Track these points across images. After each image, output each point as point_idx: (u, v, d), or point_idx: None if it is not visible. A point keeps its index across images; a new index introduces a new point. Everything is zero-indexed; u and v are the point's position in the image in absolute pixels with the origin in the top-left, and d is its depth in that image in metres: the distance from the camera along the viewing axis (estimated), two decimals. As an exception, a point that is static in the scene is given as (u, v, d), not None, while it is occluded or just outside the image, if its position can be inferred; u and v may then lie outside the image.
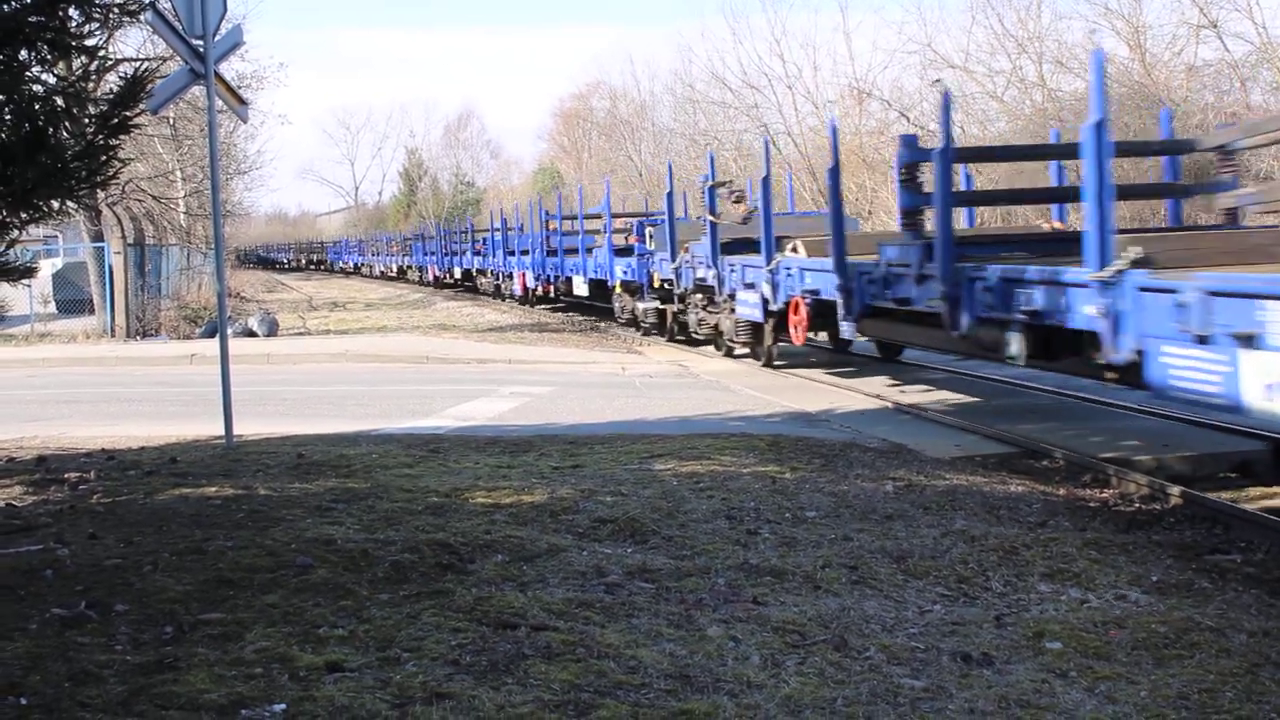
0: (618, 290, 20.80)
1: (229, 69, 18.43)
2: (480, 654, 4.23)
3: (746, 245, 14.50)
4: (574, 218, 24.93)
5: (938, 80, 23.35)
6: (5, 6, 5.44)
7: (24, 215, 5.82)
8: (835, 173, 11.32)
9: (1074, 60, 26.59)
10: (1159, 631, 4.57)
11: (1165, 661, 4.29)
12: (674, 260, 16.50)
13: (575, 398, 12.17)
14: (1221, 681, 4.07)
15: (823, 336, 14.70)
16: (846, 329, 10.87)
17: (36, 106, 5.51)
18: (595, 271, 22.27)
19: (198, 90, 9.94)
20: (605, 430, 9.61)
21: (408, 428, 10.08)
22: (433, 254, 41.78)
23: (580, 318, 25.31)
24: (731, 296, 14.38)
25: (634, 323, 20.27)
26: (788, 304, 12.58)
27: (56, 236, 31.53)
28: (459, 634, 4.43)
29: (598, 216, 23.60)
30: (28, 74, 5.65)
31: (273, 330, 21.96)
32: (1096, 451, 8.65)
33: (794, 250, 12.51)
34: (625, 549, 5.77)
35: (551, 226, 26.39)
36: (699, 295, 16.09)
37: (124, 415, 11.54)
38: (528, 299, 29.08)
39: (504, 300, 31.23)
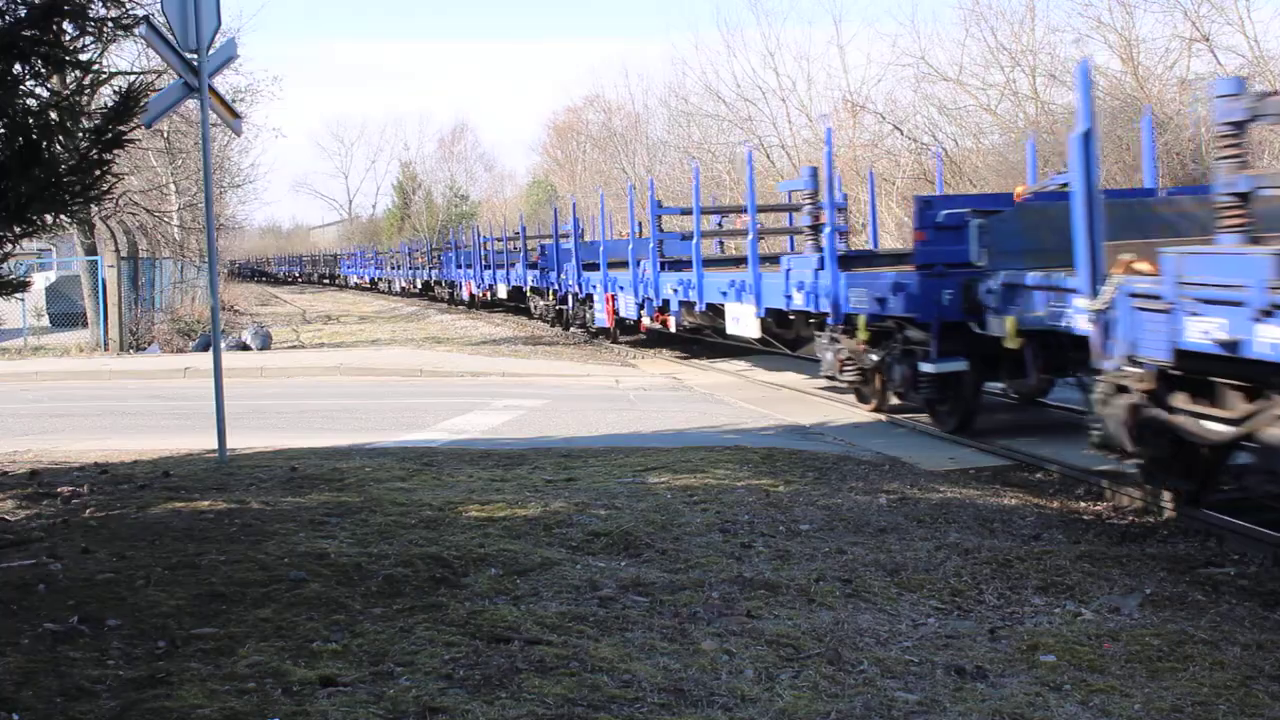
0: (859, 344, 10.98)
1: (223, 82, 18.35)
2: (474, 668, 4.22)
3: None
4: (736, 210, 17.21)
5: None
6: (-1, 21, 5.45)
7: (18, 229, 5.83)
8: None
9: (1067, 74, 26.66)
10: (1153, 644, 4.58)
11: (1159, 674, 4.29)
12: (1094, 292, 7.02)
13: (569, 411, 12.17)
14: (1215, 694, 4.08)
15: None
16: None
17: (30, 120, 5.52)
18: (790, 298, 12.18)
19: (192, 104, 9.98)
20: (599, 443, 9.61)
21: (401, 441, 10.07)
22: (468, 266, 33.09)
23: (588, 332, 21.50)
24: None
25: (860, 389, 11.69)
26: None
27: (50, 250, 31.47)
28: (452, 648, 4.42)
29: (795, 208, 14.92)
30: (22, 88, 5.67)
31: (266, 343, 21.91)
32: (1090, 465, 8.65)
33: None
34: (619, 562, 5.76)
35: (673, 225, 17.55)
36: (1137, 370, 6.69)
37: (117, 429, 11.52)
38: (613, 333, 20.18)
39: (568, 329, 22.59)
